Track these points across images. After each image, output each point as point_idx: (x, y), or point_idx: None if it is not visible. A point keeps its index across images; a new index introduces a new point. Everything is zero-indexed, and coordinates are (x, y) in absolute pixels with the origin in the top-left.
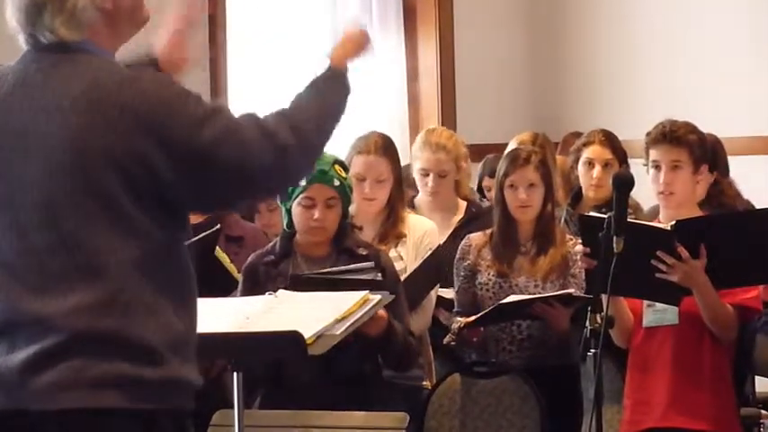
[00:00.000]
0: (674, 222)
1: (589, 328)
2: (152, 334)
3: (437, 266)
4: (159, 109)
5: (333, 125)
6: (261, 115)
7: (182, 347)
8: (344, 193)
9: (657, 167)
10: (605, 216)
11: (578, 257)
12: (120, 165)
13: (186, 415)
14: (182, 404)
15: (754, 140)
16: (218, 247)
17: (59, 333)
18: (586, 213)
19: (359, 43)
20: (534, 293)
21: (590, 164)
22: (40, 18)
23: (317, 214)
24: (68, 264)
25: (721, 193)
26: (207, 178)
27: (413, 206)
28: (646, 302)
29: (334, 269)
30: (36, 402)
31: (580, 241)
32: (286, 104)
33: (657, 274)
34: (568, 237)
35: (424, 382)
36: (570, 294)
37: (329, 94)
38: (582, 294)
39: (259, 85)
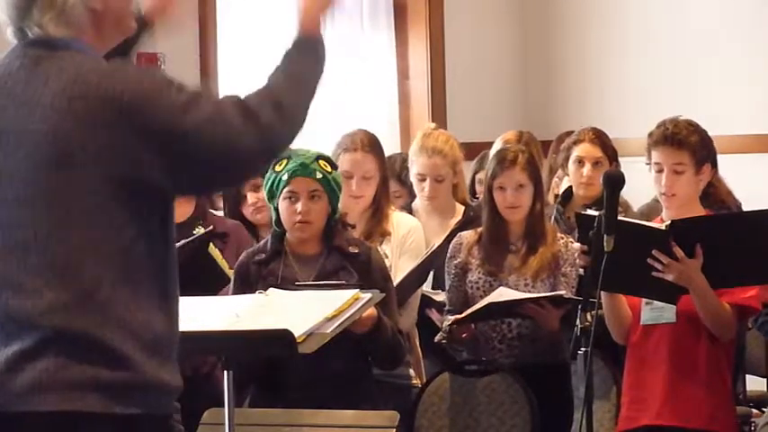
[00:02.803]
0: (669, 222)
1: (579, 326)
2: (130, 335)
3: (430, 267)
4: (141, 99)
5: (311, 96)
6: (243, 95)
7: (161, 348)
8: (330, 188)
9: (660, 169)
10: (599, 213)
11: (576, 255)
12: (103, 158)
13: (166, 418)
14: (160, 408)
15: (747, 139)
16: (211, 244)
17: (36, 332)
18: (583, 211)
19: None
20: (524, 292)
21: (580, 162)
22: (30, 13)
23: (299, 207)
24: (46, 261)
25: (715, 193)
26: (193, 165)
27: (410, 211)
28: (644, 300)
29: (314, 283)
30: (13, 404)
31: (572, 240)
32: (264, 80)
33: (654, 273)
34: (559, 235)
35: (414, 381)
36: (561, 296)
37: (304, 65)
38: (573, 296)
39: (248, 78)
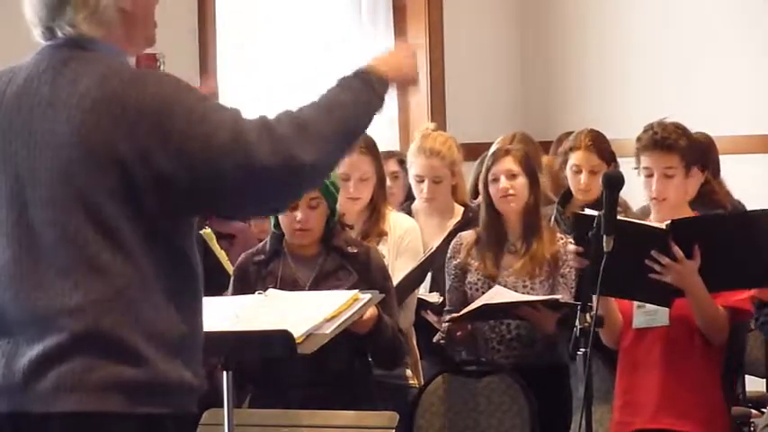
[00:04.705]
0: (668, 222)
1: (579, 327)
2: (154, 335)
3: (429, 267)
4: (162, 107)
5: (345, 130)
6: (271, 116)
7: (185, 349)
8: (329, 193)
9: (649, 174)
10: (599, 214)
11: (571, 257)
12: (123, 162)
13: (189, 418)
14: (184, 407)
15: (746, 139)
16: (216, 244)
17: (62, 332)
18: (579, 211)
19: (405, 63)
20: (523, 293)
21: (577, 170)
22: (63, 12)
23: (299, 216)
24: (72, 262)
25: (712, 193)
26: (206, 177)
27: (409, 212)
28: (636, 304)
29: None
30: (38, 405)
31: (571, 240)
32: (310, 100)
33: (651, 275)
34: (558, 236)
35: (411, 381)
36: (556, 300)
37: (348, 96)
38: (569, 301)
39: (247, 78)
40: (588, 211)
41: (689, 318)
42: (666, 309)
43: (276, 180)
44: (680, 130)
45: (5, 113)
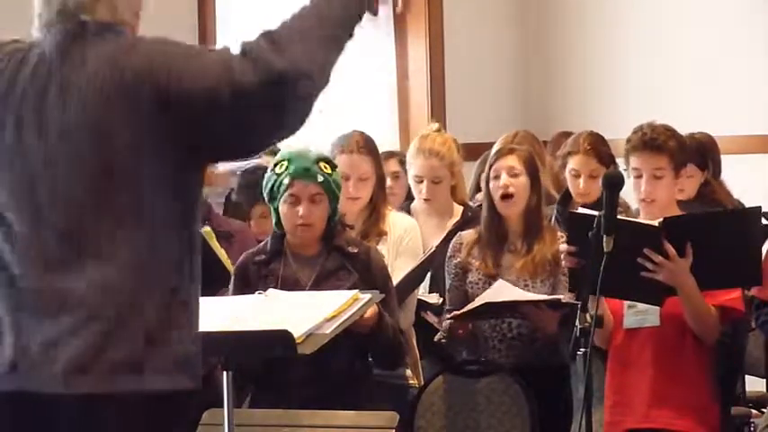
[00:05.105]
0: (661, 219)
1: (579, 327)
2: (167, 315)
3: (428, 267)
4: (157, 59)
5: (318, 26)
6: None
7: (190, 330)
8: (331, 190)
9: (639, 175)
10: (595, 214)
11: (562, 256)
12: (133, 145)
13: (197, 395)
14: (195, 383)
15: (746, 139)
16: (216, 242)
17: (74, 313)
18: (576, 210)
19: None
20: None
21: (576, 174)
22: None
23: (301, 211)
24: (83, 241)
25: (712, 193)
26: (205, 110)
27: (409, 211)
28: (626, 304)
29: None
30: (49, 386)
31: (565, 239)
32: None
33: (643, 273)
34: (560, 235)
35: (410, 381)
36: (558, 300)
37: (334, 5)
38: (570, 301)
39: None
40: (582, 210)
41: (680, 317)
42: (657, 309)
43: (269, 98)
44: (669, 131)
45: (19, 97)
